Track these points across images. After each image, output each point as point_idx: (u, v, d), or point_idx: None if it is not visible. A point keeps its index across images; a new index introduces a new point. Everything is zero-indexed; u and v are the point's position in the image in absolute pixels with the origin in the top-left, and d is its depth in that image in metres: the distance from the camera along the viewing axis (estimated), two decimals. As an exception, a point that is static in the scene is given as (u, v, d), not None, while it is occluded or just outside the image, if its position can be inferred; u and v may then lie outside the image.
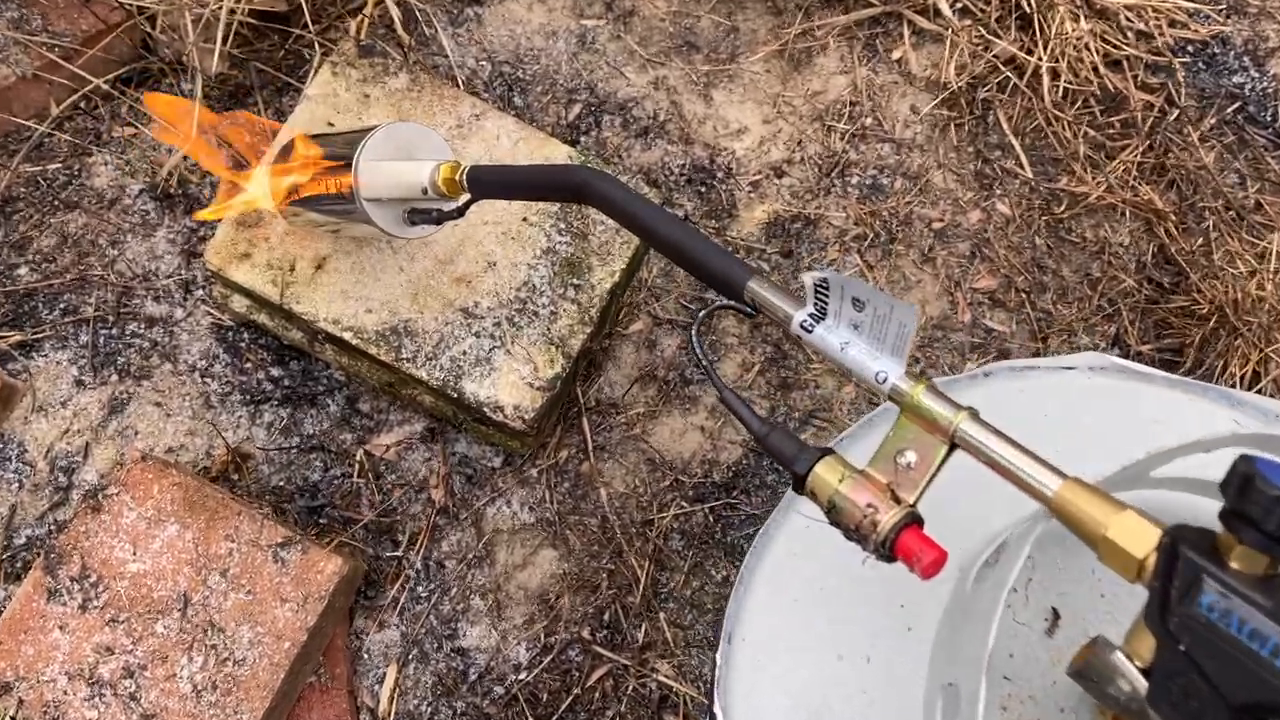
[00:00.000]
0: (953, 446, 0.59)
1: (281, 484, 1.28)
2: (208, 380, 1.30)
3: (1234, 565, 0.46)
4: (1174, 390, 0.81)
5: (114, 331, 1.31)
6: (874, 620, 0.74)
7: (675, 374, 1.36)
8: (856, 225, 1.43)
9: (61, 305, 1.31)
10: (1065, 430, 0.79)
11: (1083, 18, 1.46)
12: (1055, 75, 1.46)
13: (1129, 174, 1.45)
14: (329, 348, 1.24)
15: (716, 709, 0.77)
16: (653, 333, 1.37)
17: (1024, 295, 1.42)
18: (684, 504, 1.32)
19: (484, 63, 1.45)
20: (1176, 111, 1.48)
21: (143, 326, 1.31)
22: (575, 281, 1.18)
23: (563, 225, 1.20)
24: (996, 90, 1.49)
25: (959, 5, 1.50)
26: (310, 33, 1.38)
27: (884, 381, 0.62)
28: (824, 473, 0.62)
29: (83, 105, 1.39)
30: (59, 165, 1.36)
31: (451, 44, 1.44)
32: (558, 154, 1.21)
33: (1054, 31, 1.45)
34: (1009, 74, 1.48)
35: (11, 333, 1.28)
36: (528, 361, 1.15)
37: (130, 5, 1.32)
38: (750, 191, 1.44)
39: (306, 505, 1.27)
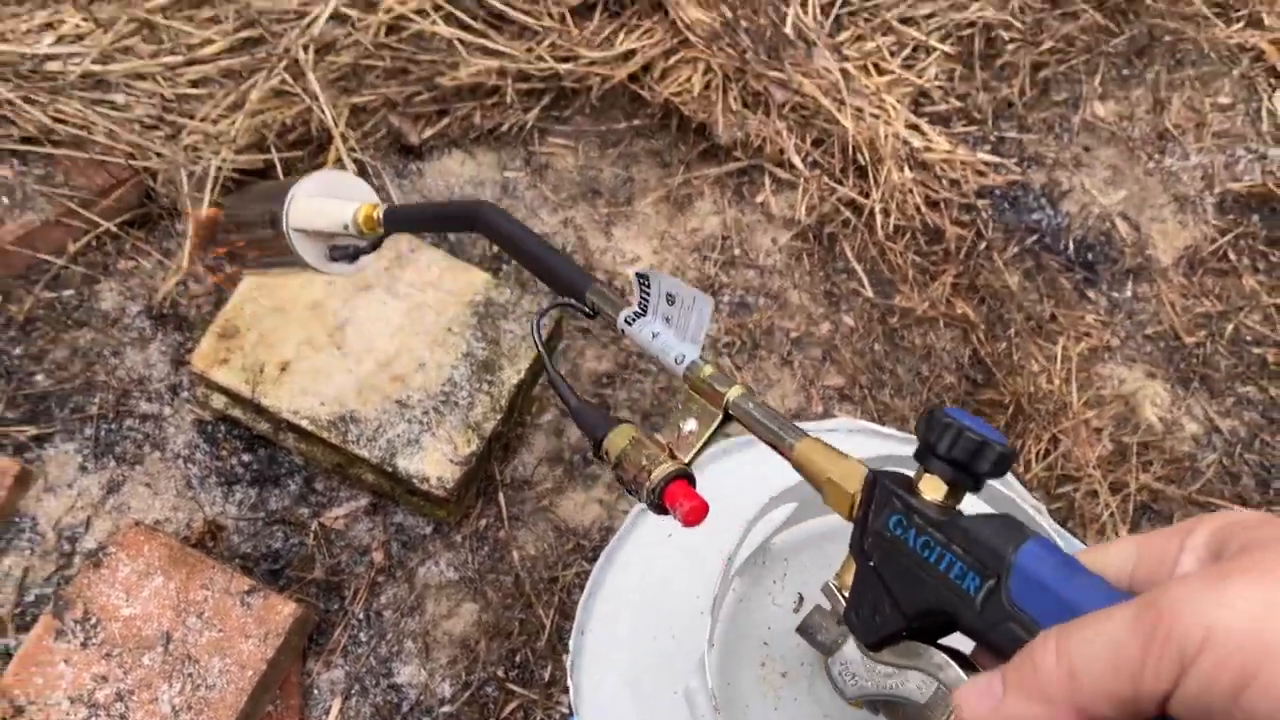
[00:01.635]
0: (727, 416, 0.68)
1: (249, 550, 1.55)
2: (190, 465, 1.58)
3: (922, 492, 0.53)
4: (904, 444, 1.12)
5: (113, 426, 1.59)
6: (680, 607, 1.02)
7: (579, 456, 1.65)
8: (728, 335, 1.75)
9: (70, 405, 1.60)
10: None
11: (907, 169, 1.83)
12: (887, 213, 1.82)
13: (947, 292, 1.79)
14: (290, 436, 1.53)
15: (570, 684, 1.05)
16: (560, 423, 1.68)
17: (866, 390, 1.74)
18: (584, 563, 1.59)
19: (424, 207, 1.79)
20: (985, 242, 1.84)
21: (137, 422, 1.60)
22: (489, 378, 1.49)
23: (480, 334, 1.51)
24: (840, 226, 1.84)
25: (809, 159, 1.86)
26: (282, 185, 1.71)
27: (681, 362, 0.70)
28: (617, 437, 0.71)
29: (93, 243, 1.70)
30: (72, 292, 1.67)
31: (397, 192, 1.78)
32: (476, 280, 1.53)
33: (884, 179, 1.81)
34: (849, 214, 1.84)
35: (29, 427, 1.57)
36: (449, 441, 1.44)
37: (138, 165, 1.65)
38: (641, 308, 1.76)
39: (269, 568, 1.54)
